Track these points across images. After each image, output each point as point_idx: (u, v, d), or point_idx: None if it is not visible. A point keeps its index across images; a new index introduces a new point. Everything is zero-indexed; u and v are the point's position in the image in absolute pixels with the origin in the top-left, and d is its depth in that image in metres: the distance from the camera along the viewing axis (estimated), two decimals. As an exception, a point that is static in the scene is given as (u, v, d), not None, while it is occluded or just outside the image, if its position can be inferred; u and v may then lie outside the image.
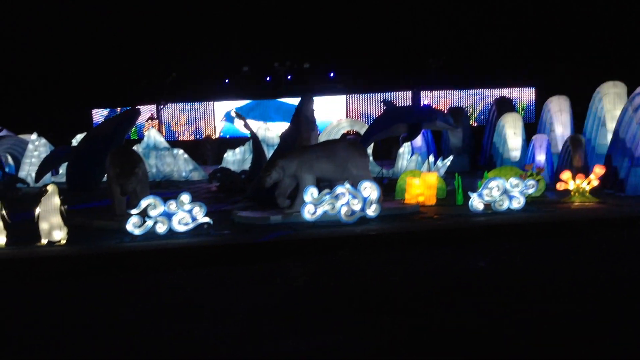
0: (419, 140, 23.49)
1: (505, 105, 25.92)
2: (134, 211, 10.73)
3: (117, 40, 39.12)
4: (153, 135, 24.85)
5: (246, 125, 18.70)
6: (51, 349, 6.14)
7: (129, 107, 27.96)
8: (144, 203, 10.75)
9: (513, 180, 12.55)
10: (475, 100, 36.82)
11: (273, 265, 9.32)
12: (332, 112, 34.30)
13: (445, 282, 8.10)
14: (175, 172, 23.50)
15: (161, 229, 10.72)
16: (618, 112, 16.07)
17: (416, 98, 36.17)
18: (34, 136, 22.75)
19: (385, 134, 18.99)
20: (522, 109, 35.67)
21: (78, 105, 38.80)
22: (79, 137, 23.92)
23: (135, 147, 22.52)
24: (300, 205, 11.60)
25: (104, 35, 39.10)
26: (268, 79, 39.31)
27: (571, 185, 13.69)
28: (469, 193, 12.67)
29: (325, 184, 12.42)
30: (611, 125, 16.68)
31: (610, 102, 17.47)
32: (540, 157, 17.11)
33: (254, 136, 18.62)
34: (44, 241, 10.25)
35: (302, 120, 15.06)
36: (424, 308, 6.99)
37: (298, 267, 9.16)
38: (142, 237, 10.60)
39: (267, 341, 6.08)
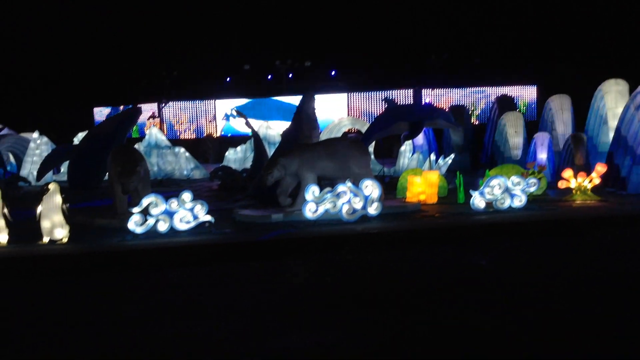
0: (420, 139, 23.46)
1: (506, 104, 25.91)
2: (135, 209, 10.74)
3: (118, 39, 39.13)
4: (154, 133, 24.86)
5: (247, 124, 18.70)
6: (54, 347, 6.15)
7: (130, 106, 27.98)
8: (145, 201, 10.75)
9: (515, 179, 12.54)
10: (477, 98, 36.79)
11: (274, 264, 9.33)
12: (334, 111, 34.27)
13: (446, 280, 8.11)
14: (177, 171, 23.52)
15: (163, 227, 10.73)
16: (620, 110, 16.05)
17: (417, 96, 36.14)
18: (35, 135, 22.77)
19: (387, 132, 18.96)
20: (524, 107, 35.64)
21: (79, 103, 38.81)
22: (81, 135, 23.93)
23: (136, 146, 22.51)
24: (302, 203, 11.59)
25: (105, 34, 39.11)
26: (269, 77, 39.30)
27: (573, 184, 13.67)
28: (471, 191, 12.66)
29: (326, 183, 12.42)
30: (613, 123, 16.66)
31: (612, 100, 17.45)
32: (542, 155, 17.10)
33: (255, 134, 18.63)
34: (45, 239, 10.26)
35: (304, 118, 15.06)
36: (425, 306, 6.99)
37: (299, 265, 9.17)
38: (144, 235, 10.60)
39: (269, 338, 6.10)
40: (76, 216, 11.45)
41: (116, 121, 20.22)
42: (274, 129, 24.88)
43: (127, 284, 8.54)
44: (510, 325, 6.29)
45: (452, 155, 19.84)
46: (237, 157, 24.66)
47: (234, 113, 33.39)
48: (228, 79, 40.07)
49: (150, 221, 10.69)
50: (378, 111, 34.58)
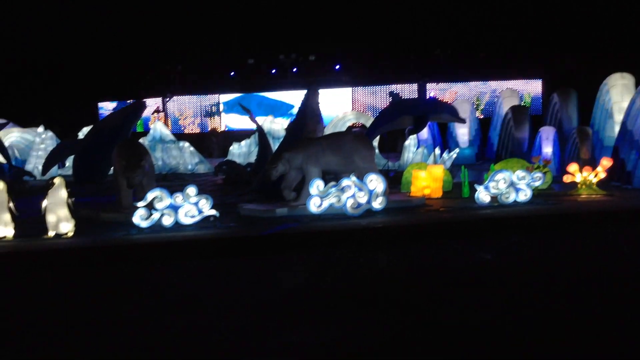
0: (425, 133, 23.42)
1: (512, 98, 25.83)
2: (140, 204, 10.76)
3: (122, 33, 39.13)
4: (159, 128, 24.90)
5: (252, 118, 18.70)
6: (58, 340, 6.17)
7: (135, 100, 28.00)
8: (150, 196, 10.77)
9: (520, 173, 12.49)
10: (482, 92, 36.67)
11: (278, 258, 9.34)
12: (338, 105, 34.25)
13: (450, 275, 8.10)
14: (181, 165, 23.55)
15: (167, 221, 10.74)
16: (626, 104, 15.96)
17: (422, 90, 36.06)
18: (40, 129, 22.83)
19: (391, 126, 18.94)
20: (529, 100, 35.50)
21: (84, 98, 38.87)
22: (86, 130, 23.98)
23: (141, 140, 22.57)
24: (306, 198, 11.59)
25: (110, 28, 39.11)
26: (273, 71, 39.26)
27: (578, 178, 13.62)
28: (475, 186, 12.63)
29: (331, 177, 12.41)
30: (619, 117, 16.56)
31: (618, 93, 17.34)
32: (547, 150, 17.04)
33: (259, 129, 18.63)
34: (51, 234, 10.30)
35: (308, 112, 15.04)
36: (429, 302, 6.99)
37: (303, 260, 9.17)
38: (149, 229, 10.63)
39: (271, 334, 6.10)
40: (81, 211, 11.48)
41: (121, 115, 20.23)
42: (279, 123, 24.88)
43: (132, 277, 8.57)
44: (513, 322, 6.28)
45: (457, 150, 19.77)
46: (241, 151, 24.68)
47: (214, 110, 33.68)
48: (232, 74, 40.05)
49: (155, 215, 10.71)
50: (382, 105, 34.52)
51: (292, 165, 12.10)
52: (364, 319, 6.48)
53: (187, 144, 24.09)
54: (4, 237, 10.19)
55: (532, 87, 36.23)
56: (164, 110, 39.47)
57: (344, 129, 24.79)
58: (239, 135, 28.10)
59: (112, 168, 13.86)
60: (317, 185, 11.51)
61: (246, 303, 7.12)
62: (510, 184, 12.40)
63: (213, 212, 11.02)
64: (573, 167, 13.76)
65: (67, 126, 26.81)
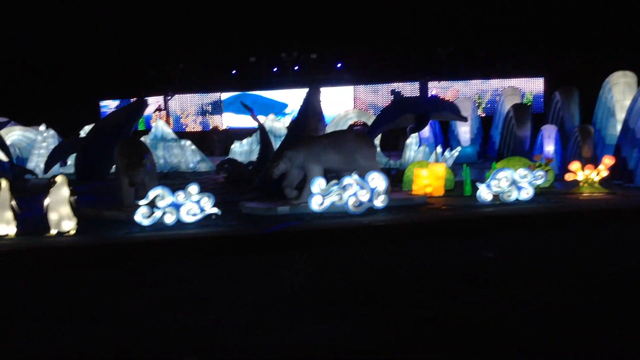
0: (426, 131, 23.40)
1: (513, 96, 25.80)
2: (142, 202, 10.77)
3: (124, 31, 39.11)
4: (161, 126, 24.90)
5: (253, 117, 18.69)
6: (59, 339, 6.18)
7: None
8: (152, 194, 10.78)
9: (522, 171, 12.48)
10: (483, 90, 36.62)
11: (280, 256, 9.35)
12: (340, 103, 34.22)
13: (452, 273, 8.09)
14: (183, 163, 23.57)
15: (169, 219, 10.75)
16: (628, 102, 15.93)
17: (424, 88, 36.02)
18: (42, 127, 22.85)
19: (393, 124, 18.92)
20: (531, 98, 35.46)
21: (86, 96, 38.88)
22: (87, 128, 24.00)
23: (143, 138, 22.57)
24: (308, 196, 11.59)
25: (111, 26, 39.10)
26: (275, 69, 39.23)
27: (580, 176, 13.61)
28: (477, 184, 12.63)
29: (332, 175, 12.41)
30: (621, 116, 16.54)
31: (620, 92, 17.31)
32: (549, 148, 17.02)
33: (261, 127, 18.63)
34: (53, 232, 10.31)
35: (310, 111, 15.03)
36: (430, 300, 6.99)
37: (305, 258, 9.17)
38: (151, 227, 10.64)
39: (273, 332, 6.10)
40: (83, 209, 11.49)
41: (122, 114, 20.27)
42: (280, 121, 24.88)
43: (133, 276, 8.57)
44: (516, 319, 6.28)
45: (459, 148, 19.77)
46: (243, 149, 24.68)
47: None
48: (234, 72, 40.04)
49: (157, 213, 10.72)
50: (384, 103, 34.50)
51: (294, 164, 12.10)
52: (366, 317, 6.48)
53: (188, 142, 24.10)
54: (6, 235, 10.21)
55: (534, 85, 36.16)
56: (166, 108, 39.48)
57: (345, 127, 24.78)
58: (240, 133, 28.09)
59: (114, 166, 13.89)
60: (318, 184, 11.51)
61: (248, 301, 7.12)
62: (512, 183, 12.39)
63: (215, 210, 11.03)
64: (575, 166, 13.75)
65: (69, 124, 26.81)
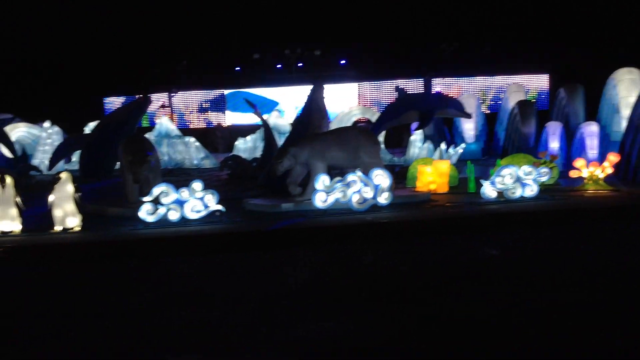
0: (430, 128, 23.35)
1: (518, 92, 25.72)
2: (146, 198, 10.80)
3: (128, 29, 39.13)
4: (165, 123, 24.93)
5: (257, 113, 18.70)
6: (64, 335, 6.21)
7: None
8: (156, 190, 10.80)
9: (526, 168, 12.45)
10: (488, 87, 36.53)
11: (284, 253, 9.36)
12: (344, 100, 34.17)
13: (455, 270, 8.09)
14: (187, 160, 23.60)
15: (174, 216, 10.78)
16: (633, 99, 15.87)
17: (428, 85, 35.95)
18: (47, 124, 22.92)
19: (397, 121, 18.92)
20: (535, 95, 35.35)
21: (90, 93, 38.95)
22: (92, 125, 24.06)
23: (147, 135, 22.60)
24: (312, 193, 11.60)
25: (115, 23, 39.13)
26: (279, 66, 39.20)
27: (585, 173, 13.57)
28: (481, 181, 12.60)
29: (336, 172, 12.41)
30: (625, 112, 16.48)
31: (625, 88, 17.23)
32: (554, 145, 16.97)
33: (265, 124, 18.64)
34: (57, 228, 10.34)
35: (313, 108, 15.03)
36: (434, 297, 6.99)
37: (309, 255, 9.18)
38: (155, 224, 10.66)
39: (278, 329, 6.11)
40: (87, 206, 11.52)
41: (126, 111, 20.29)
42: (284, 118, 24.87)
43: (138, 272, 8.60)
44: (519, 317, 6.27)
45: (463, 145, 19.73)
46: (247, 146, 24.70)
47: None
48: (238, 68, 40.03)
49: (162, 210, 10.75)
50: (388, 100, 34.46)
51: (298, 160, 12.10)
52: (370, 313, 6.48)
53: (192, 139, 24.13)
54: (11, 231, 10.25)
55: (539, 82, 36.04)
56: (170, 105, 39.52)
57: (349, 123, 24.75)
58: (244, 130, 28.09)
59: (118, 163, 13.92)
60: (322, 181, 11.51)
61: (252, 298, 7.13)
62: (517, 179, 12.36)
63: (219, 207, 11.04)
64: (580, 163, 13.71)
65: (74, 121, 26.88)
